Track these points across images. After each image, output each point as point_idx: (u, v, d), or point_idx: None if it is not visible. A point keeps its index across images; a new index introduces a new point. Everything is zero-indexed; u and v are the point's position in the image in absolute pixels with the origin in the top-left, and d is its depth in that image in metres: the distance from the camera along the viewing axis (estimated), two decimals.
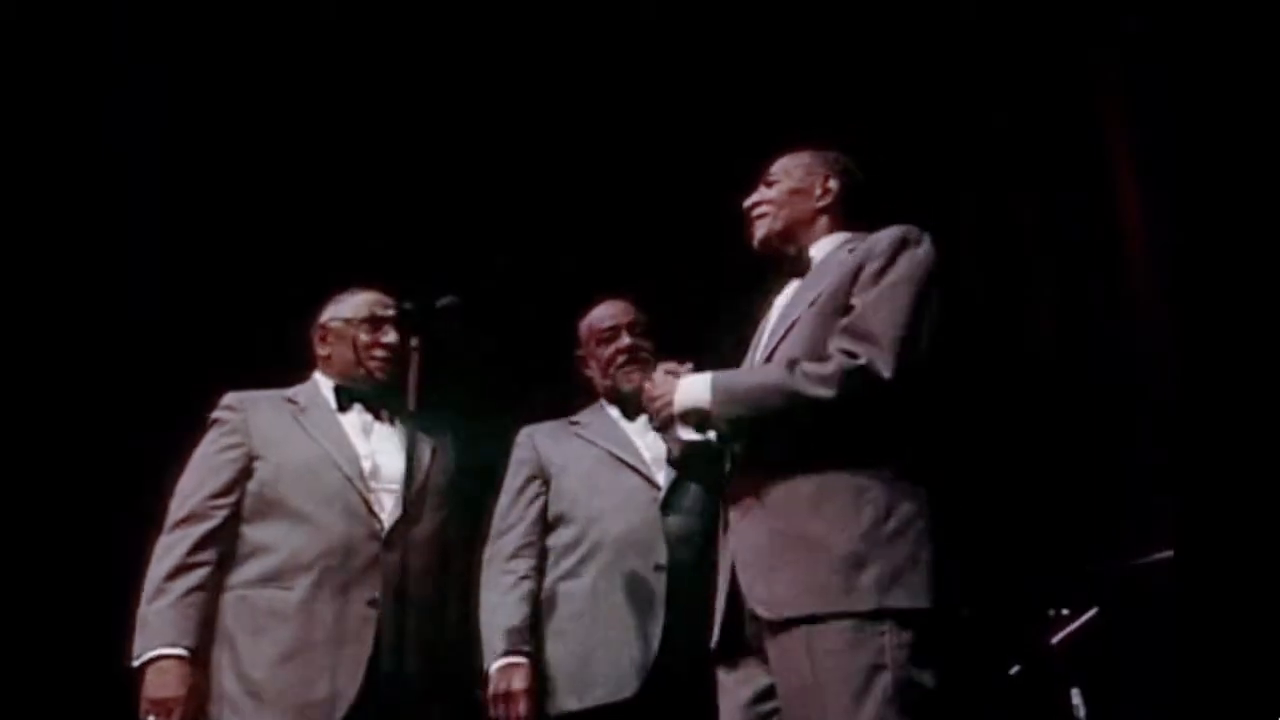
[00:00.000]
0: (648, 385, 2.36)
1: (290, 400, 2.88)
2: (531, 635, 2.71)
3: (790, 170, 2.53)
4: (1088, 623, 2.55)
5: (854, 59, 3.88)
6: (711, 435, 2.31)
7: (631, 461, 2.80)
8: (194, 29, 3.96)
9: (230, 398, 2.86)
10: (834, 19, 3.85)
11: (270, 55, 4.02)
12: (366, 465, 2.77)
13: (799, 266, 2.46)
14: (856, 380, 2.13)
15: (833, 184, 2.50)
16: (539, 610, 2.75)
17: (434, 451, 2.91)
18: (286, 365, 3.41)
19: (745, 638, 2.22)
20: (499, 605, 2.72)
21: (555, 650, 2.70)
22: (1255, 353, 3.05)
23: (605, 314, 2.99)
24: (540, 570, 2.79)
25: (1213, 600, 2.92)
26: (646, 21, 3.89)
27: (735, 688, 2.23)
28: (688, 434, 2.31)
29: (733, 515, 2.27)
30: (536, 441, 2.92)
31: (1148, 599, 2.71)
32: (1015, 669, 2.71)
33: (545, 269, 3.69)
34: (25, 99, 3.84)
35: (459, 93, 4.07)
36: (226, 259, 4.03)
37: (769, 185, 2.54)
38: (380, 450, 2.84)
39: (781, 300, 2.47)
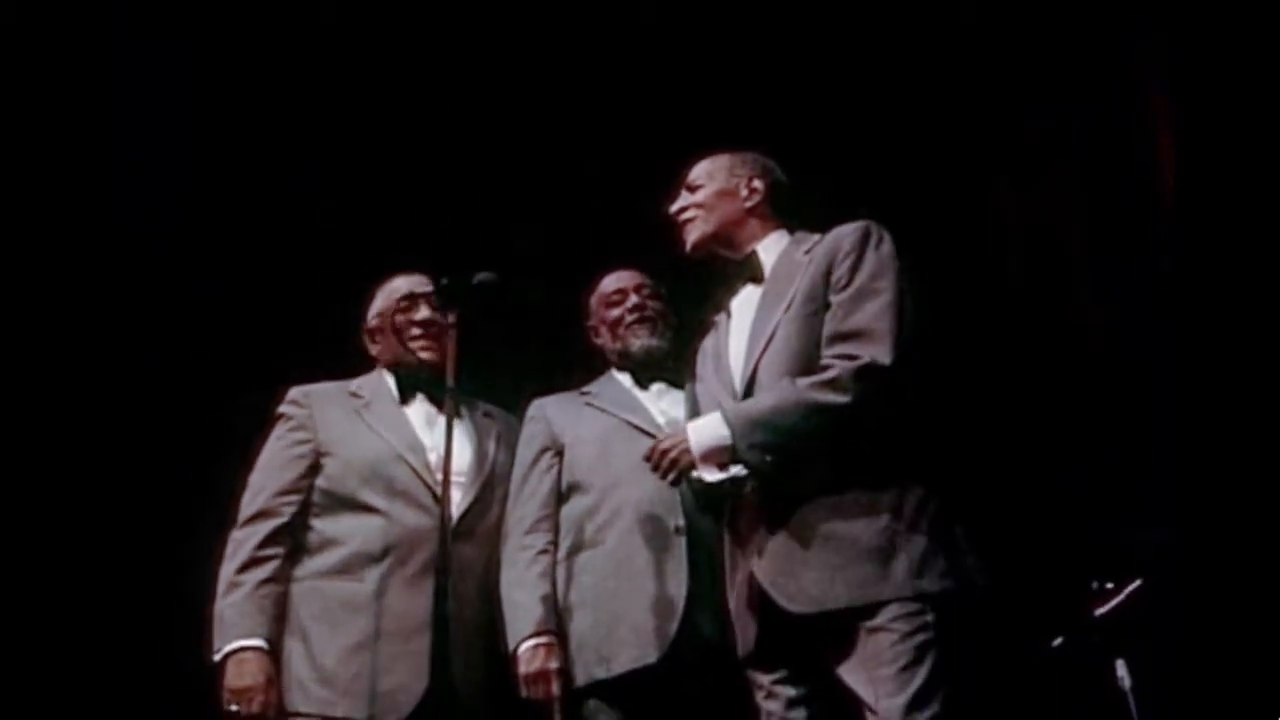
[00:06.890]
0: (655, 443, 2.37)
1: (354, 394, 2.88)
2: (555, 609, 2.69)
3: (713, 173, 2.58)
4: (1132, 594, 2.56)
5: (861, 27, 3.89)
6: (735, 471, 2.28)
7: (646, 428, 2.77)
8: (216, 14, 3.93)
9: (295, 392, 2.87)
10: None
11: (281, 48, 3.99)
12: (433, 457, 2.75)
13: (751, 269, 2.50)
14: (864, 378, 2.19)
15: (758, 184, 2.55)
16: (559, 582, 2.73)
17: (498, 441, 2.91)
18: (302, 354, 3.40)
19: (779, 640, 2.27)
20: (520, 582, 2.70)
21: (580, 620, 2.68)
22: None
23: (613, 280, 3.03)
24: (556, 543, 2.77)
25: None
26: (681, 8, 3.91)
27: (772, 686, 2.31)
28: (712, 475, 2.28)
29: (744, 529, 2.33)
30: (548, 413, 2.91)
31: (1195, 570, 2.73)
32: (1059, 641, 2.71)
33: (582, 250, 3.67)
34: (27, 99, 3.81)
35: (481, 78, 4.06)
36: (232, 259, 4.01)
37: (692, 190, 2.59)
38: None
39: (742, 305, 2.50)
